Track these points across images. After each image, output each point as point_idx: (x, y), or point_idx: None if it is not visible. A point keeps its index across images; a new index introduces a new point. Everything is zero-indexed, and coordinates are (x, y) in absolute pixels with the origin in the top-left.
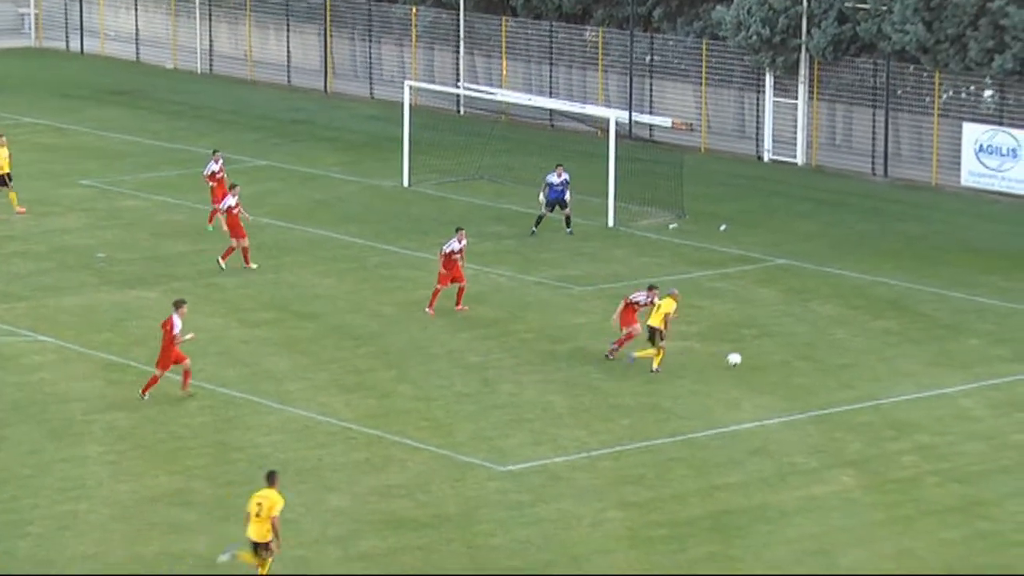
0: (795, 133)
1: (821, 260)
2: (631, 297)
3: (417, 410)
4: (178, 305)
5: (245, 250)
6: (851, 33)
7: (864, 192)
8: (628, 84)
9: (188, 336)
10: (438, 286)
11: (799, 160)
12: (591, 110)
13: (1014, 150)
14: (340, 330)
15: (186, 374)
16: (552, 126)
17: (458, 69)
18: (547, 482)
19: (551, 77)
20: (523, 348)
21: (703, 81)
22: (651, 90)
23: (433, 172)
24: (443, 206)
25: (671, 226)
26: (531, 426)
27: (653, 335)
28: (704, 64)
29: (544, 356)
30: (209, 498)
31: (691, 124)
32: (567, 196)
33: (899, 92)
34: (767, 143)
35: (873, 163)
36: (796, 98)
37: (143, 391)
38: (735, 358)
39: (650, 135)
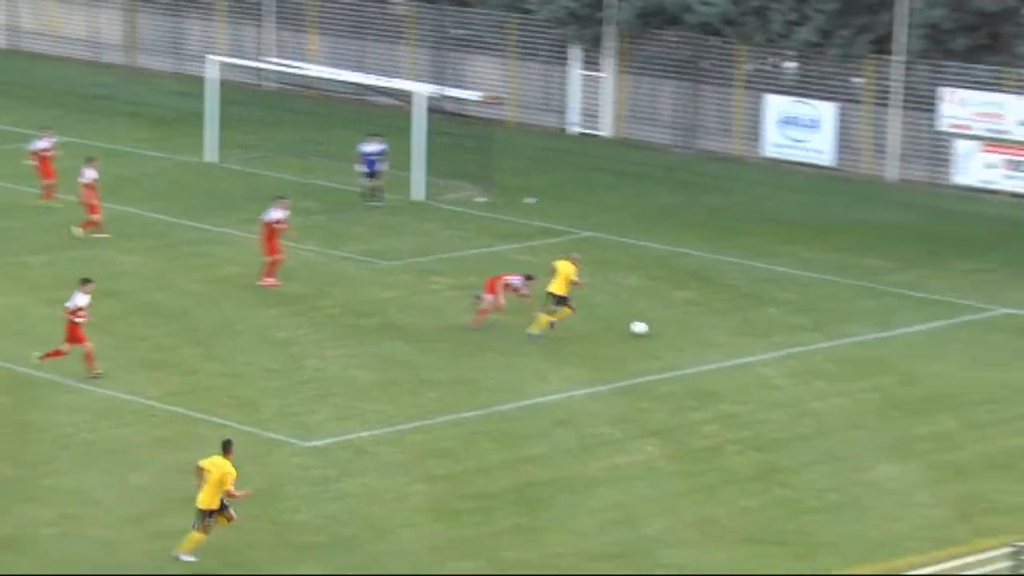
0: (602, 106)
1: (625, 232)
2: (507, 278)
3: (223, 387)
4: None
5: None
6: (657, 6)
7: (669, 164)
8: (437, 58)
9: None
10: (271, 256)
11: (606, 133)
12: (400, 84)
13: (815, 121)
14: (147, 308)
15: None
16: (360, 100)
17: (263, 43)
18: (353, 457)
19: (360, 51)
20: (330, 323)
21: (511, 55)
22: (460, 64)
23: (241, 148)
24: (251, 182)
25: (479, 199)
26: (337, 401)
27: (559, 302)
28: (512, 37)
29: (351, 331)
30: (9, 478)
31: (499, 98)
32: (381, 167)
33: (703, 65)
34: (574, 116)
35: (678, 135)
36: (603, 71)
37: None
38: (640, 327)
39: (459, 109)
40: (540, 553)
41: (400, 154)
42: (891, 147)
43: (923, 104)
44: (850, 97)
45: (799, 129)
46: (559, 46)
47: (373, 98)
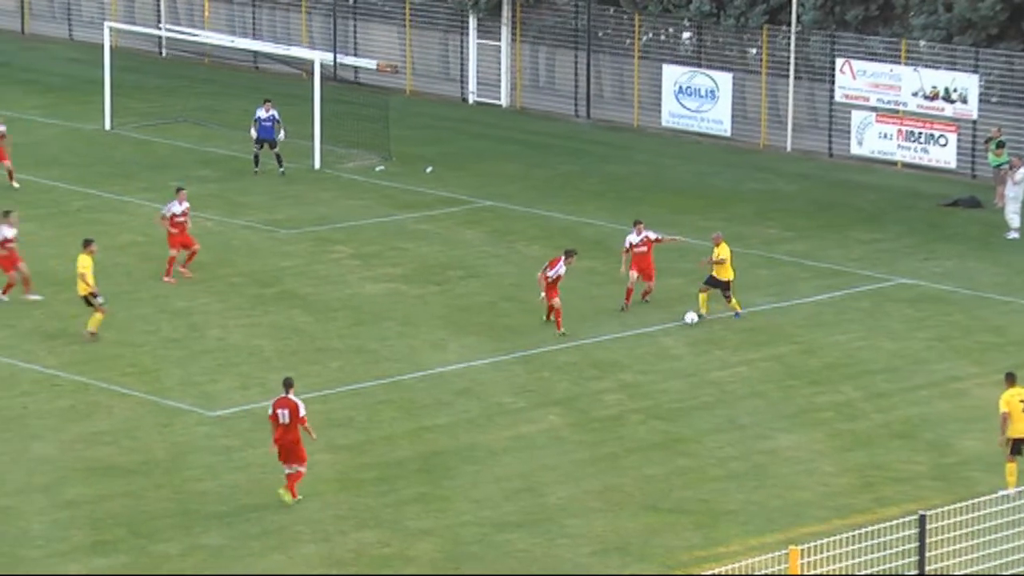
0: (499, 75)
1: (526, 201)
2: (628, 239)
3: (123, 356)
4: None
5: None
6: None
7: (567, 134)
8: (332, 25)
9: None
10: (172, 252)
11: (503, 102)
12: (296, 52)
13: (712, 91)
14: (43, 276)
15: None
16: (257, 68)
17: (160, 10)
18: (255, 426)
19: (255, 18)
20: (231, 292)
21: (407, 23)
22: (356, 32)
23: (136, 115)
24: (147, 149)
25: (377, 168)
26: (239, 370)
27: (727, 287)
28: (408, 5)
29: (252, 300)
30: None
31: (396, 66)
32: (279, 135)
33: (600, 34)
34: (472, 85)
35: (576, 105)
36: (499, 40)
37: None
38: (692, 317)
39: (355, 77)
40: (445, 523)
41: (297, 123)
42: (787, 117)
43: (818, 75)
44: (746, 68)
45: (696, 99)
46: (457, 15)
47: (269, 65)
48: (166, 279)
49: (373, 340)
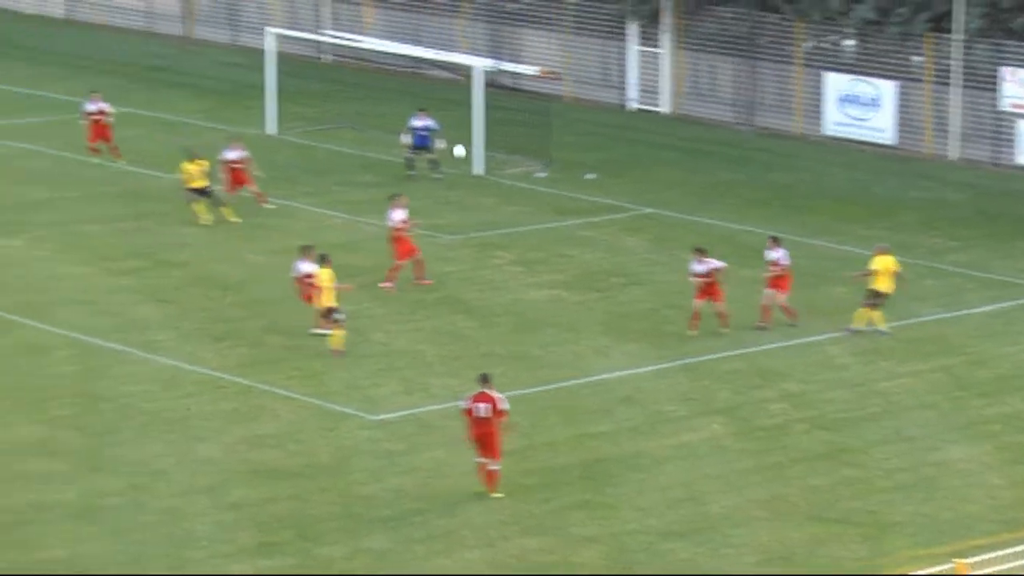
0: (659, 82)
1: (687, 209)
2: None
3: (288, 359)
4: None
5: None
6: None
7: (728, 141)
8: (493, 31)
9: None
10: (399, 261)
11: (663, 109)
12: (456, 58)
13: (875, 100)
14: (207, 279)
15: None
16: (418, 74)
17: (320, 16)
18: (419, 431)
19: (416, 24)
20: (393, 297)
21: (568, 29)
22: (516, 38)
23: (298, 120)
24: (309, 154)
25: (538, 174)
26: (402, 375)
27: (879, 298)
28: (568, 12)
29: (414, 305)
30: (77, 448)
31: (556, 73)
32: (436, 144)
33: (761, 41)
34: (632, 92)
35: (737, 112)
36: (660, 47)
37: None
38: (460, 150)
39: (515, 84)
40: (608, 530)
41: (456, 129)
42: (952, 126)
43: (984, 83)
44: (910, 76)
45: (859, 107)
46: (616, 21)
47: (429, 71)
48: (384, 285)
49: (535, 346)
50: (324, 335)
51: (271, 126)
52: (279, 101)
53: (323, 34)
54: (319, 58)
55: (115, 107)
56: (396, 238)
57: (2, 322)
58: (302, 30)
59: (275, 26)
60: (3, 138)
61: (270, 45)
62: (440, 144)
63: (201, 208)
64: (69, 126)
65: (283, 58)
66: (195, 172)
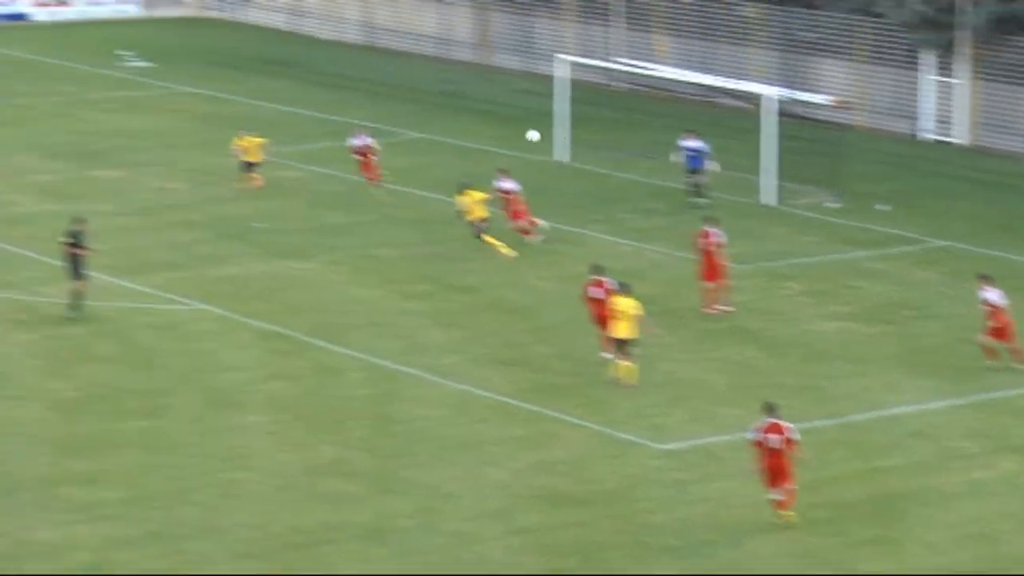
0: (955, 112)
1: (984, 242)
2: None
3: (575, 386)
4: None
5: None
6: (1011, 12)
7: None
8: (785, 60)
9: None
10: (707, 283)
11: (959, 140)
12: (748, 86)
13: None
14: (496, 304)
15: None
16: (709, 102)
17: (613, 44)
18: (706, 460)
19: (707, 53)
20: (681, 326)
21: (861, 59)
22: (807, 67)
23: (589, 147)
24: (599, 181)
25: (829, 205)
26: (690, 404)
27: None
28: (863, 41)
29: (702, 334)
30: (370, 469)
31: (849, 102)
32: (710, 166)
33: None
34: (926, 122)
35: None
36: (957, 77)
37: None
38: (534, 135)
39: (807, 113)
40: (896, 566)
41: (746, 157)
42: None
43: None
44: None
45: None
46: (910, 51)
47: (721, 100)
48: (710, 310)
49: (824, 378)
50: (613, 362)
51: (563, 153)
52: (571, 128)
53: (615, 62)
54: (611, 86)
55: (411, 133)
56: (707, 259)
57: (298, 344)
58: (594, 58)
59: (568, 54)
60: (301, 162)
61: (562, 72)
62: (711, 166)
63: (492, 240)
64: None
65: (575, 85)
66: (471, 204)
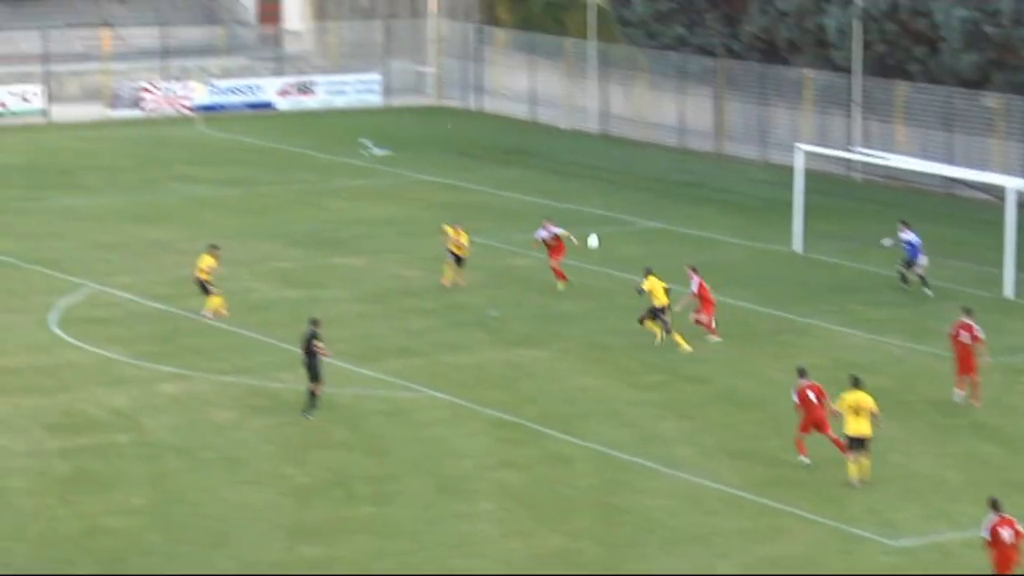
0: None
1: None
2: None
3: (807, 480)
4: None
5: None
6: None
7: None
8: None
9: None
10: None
11: None
12: (989, 177)
13: None
14: (729, 395)
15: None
16: (950, 193)
17: (850, 133)
18: (941, 558)
19: (948, 142)
20: (914, 419)
21: None
22: None
23: (825, 238)
24: (835, 272)
25: None
26: (924, 500)
27: None
28: None
29: (936, 428)
30: (597, 559)
31: None
32: (920, 259)
33: None
34: None
35: None
36: None
37: None
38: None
39: None
40: None
41: (989, 250)
42: None
43: None
44: None
45: None
46: None
47: (962, 191)
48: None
49: None
50: (849, 460)
51: (798, 243)
52: (806, 218)
53: (853, 151)
54: (849, 176)
55: (645, 222)
56: (961, 352)
57: (528, 432)
58: (832, 147)
59: (805, 143)
60: (537, 251)
61: (800, 162)
62: (923, 260)
63: (655, 326)
64: (610, 239)
65: (812, 175)
66: (655, 289)
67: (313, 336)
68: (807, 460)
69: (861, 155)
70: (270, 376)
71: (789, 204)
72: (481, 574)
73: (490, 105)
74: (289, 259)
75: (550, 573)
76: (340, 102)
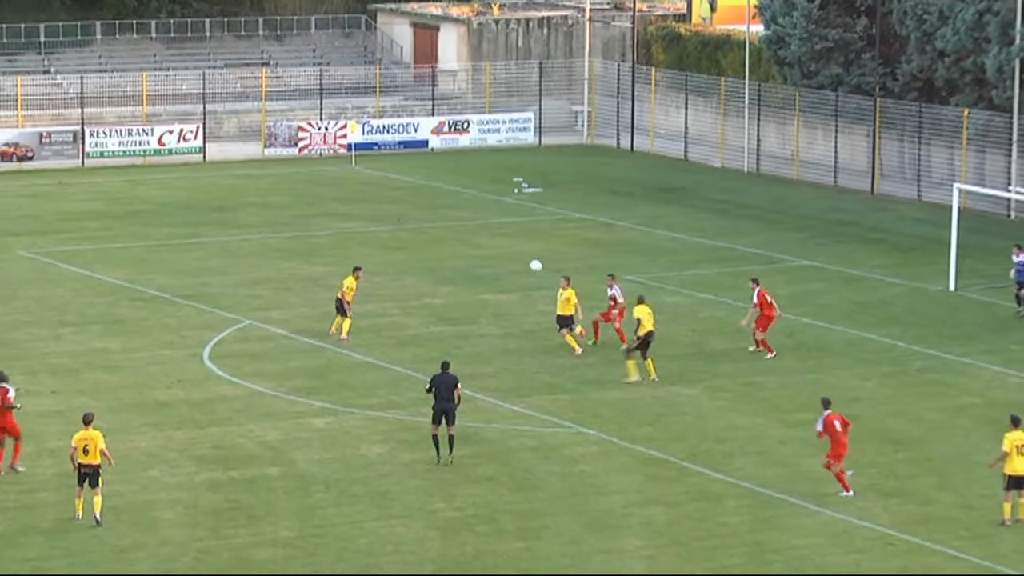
0: None
1: None
2: None
3: (959, 519)
4: None
5: None
6: None
7: None
8: None
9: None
10: None
11: None
12: None
13: None
14: (880, 434)
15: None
16: None
17: (1010, 172)
18: None
19: None
20: None
21: None
22: None
23: (981, 277)
24: (990, 312)
25: None
26: None
27: None
28: None
29: None
30: None
31: None
32: None
33: None
34: None
35: None
36: None
37: None
38: (536, 265)
39: None
40: None
41: None
42: None
43: None
44: None
45: None
46: None
47: None
48: None
49: None
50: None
51: (952, 282)
52: (962, 257)
53: (1013, 191)
54: (1007, 215)
55: (798, 260)
56: None
57: (678, 469)
58: (990, 187)
59: (963, 182)
60: (686, 287)
61: (956, 201)
62: None
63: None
64: (742, 278)
65: (968, 214)
66: (644, 317)
67: (457, 382)
68: (850, 493)
69: (1020, 194)
70: (420, 411)
71: (943, 243)
72: None
73: (642, 144)
74: (439, 295)
75: None
76: (493, 140)
